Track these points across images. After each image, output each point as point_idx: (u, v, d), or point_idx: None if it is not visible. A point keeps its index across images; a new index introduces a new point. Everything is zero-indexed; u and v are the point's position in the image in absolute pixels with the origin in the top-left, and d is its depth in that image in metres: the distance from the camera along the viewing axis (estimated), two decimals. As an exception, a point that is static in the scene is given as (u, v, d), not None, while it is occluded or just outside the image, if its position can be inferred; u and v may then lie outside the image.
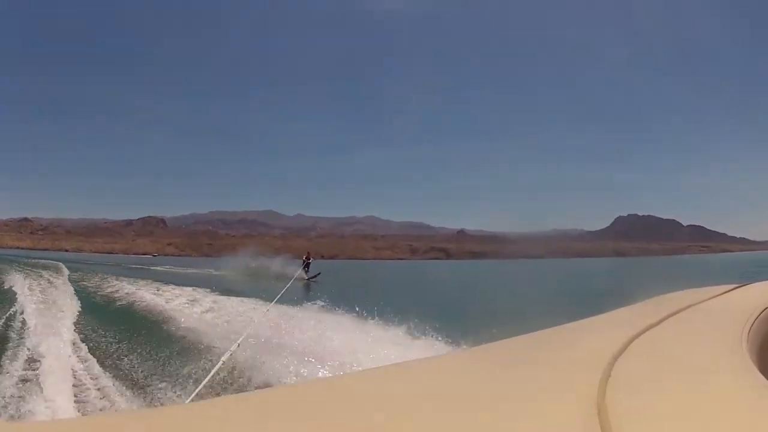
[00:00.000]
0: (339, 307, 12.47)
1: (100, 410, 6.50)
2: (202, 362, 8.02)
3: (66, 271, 27.71)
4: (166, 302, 15.47)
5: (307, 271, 34.69)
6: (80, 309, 14.29)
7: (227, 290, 19.39)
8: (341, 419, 1.14)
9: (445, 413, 1.16)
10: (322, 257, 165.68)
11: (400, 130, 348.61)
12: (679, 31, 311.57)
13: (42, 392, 6.74)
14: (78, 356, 8.91)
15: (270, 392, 1.84)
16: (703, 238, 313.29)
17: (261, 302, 14.05)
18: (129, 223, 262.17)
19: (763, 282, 3.16)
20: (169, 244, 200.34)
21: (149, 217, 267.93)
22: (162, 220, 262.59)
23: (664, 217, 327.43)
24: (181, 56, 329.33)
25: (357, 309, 11.87)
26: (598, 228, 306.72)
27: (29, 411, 6.22)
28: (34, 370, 7.77)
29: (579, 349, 1.71)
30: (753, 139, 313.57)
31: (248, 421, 1.13)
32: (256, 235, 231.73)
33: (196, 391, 3.01)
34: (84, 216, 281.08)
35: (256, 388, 6.18)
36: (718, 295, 2.79)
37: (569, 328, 2.20)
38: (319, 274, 35.73)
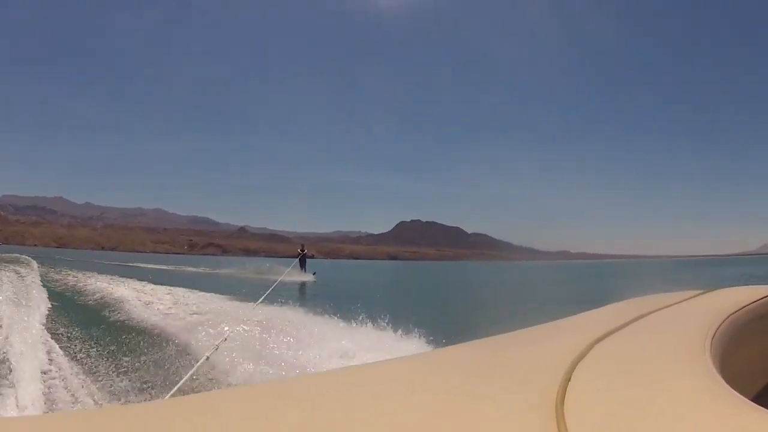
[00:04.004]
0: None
1: (70, 406, 6.35)
2: (173, 360, 7.98)
3: (35, 265, 27.33)
4: (140, 300, 15.06)
5: (304, 269, 29.65)
6: (50, 304, 13.95)
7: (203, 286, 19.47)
8: (300, 419, 1.19)
9: (403, 415, 1.20)
10: (103, 248, 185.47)
11: (191, 120, 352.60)
12: (473, 46, 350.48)
13: (12, 388, 6.62)
14: (48, 352, 8.76)
15: (234, 391, 1.96)
16: (487, 246, 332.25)
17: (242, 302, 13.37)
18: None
19: (729, 288, 3.25)
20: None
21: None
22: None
23: (449, 224, 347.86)
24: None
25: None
26: (380, 232, 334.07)
27: None
28: (2, 364, 7.60)
29: (542, 352, 1.76)
30: (541, 154, 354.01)
31: (214, 419, 1.20)
32: (44, 222, 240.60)
33: (174, 389, 3.06)
34: None
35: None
36: (683, 301, 2.87)
37: (534, 330, 2.28)
38: (314, 273, 30.11)
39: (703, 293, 3.10)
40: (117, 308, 13.85)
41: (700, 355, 1.58)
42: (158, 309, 13.44)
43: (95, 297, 16.38)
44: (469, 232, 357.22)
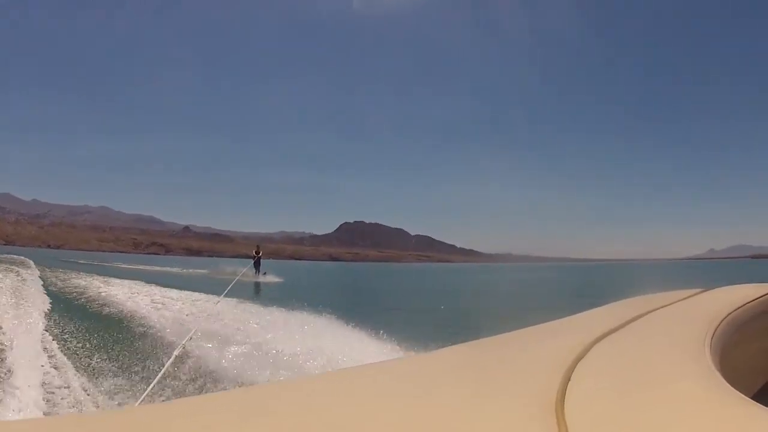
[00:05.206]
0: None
1: (70, 409, 6.30)
2: (154, 360, 7.94)
3: (34, 266, 27.33)
4: (131, 298, 15.36)
5: (258, 270, 31.37)
6: (49, 305, 13.89)
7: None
8: (298, 421, 1.21)
9: (405, 414, 1.21)
10: (49, 246, 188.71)
11: (137, 119, 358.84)
12: (431, 50, 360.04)
13: (12, 391, 6.57)
14: (48, 354, 8.70)
15: (234, 393, 1.96)
16: (429, 248, 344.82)
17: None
18: None
19: (728, 287, 3.21)
20: None
21: None
22: None
23: (392, 225, 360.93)
24: None
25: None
26: (324, 232, 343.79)
27: None
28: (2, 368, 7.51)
29: (542, 351, 1.77)
30: (487, 159, 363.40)
31: (213, 421, 1.20)
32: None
33: (149, 388, 3.07)
34: None
35: (221, 388, 6.51)
36: (682, 299, 2.84)
37: (534, 330, 2.27)
38: (265, 273, 31.74)
39: (703, 292, 3.12)
40: (111, 308, 14.20)
41: (700, 353, 1.58)
42: (144, 308, 13.90)
43: (86, 296, 16.77)
44: (412, 233, 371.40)
